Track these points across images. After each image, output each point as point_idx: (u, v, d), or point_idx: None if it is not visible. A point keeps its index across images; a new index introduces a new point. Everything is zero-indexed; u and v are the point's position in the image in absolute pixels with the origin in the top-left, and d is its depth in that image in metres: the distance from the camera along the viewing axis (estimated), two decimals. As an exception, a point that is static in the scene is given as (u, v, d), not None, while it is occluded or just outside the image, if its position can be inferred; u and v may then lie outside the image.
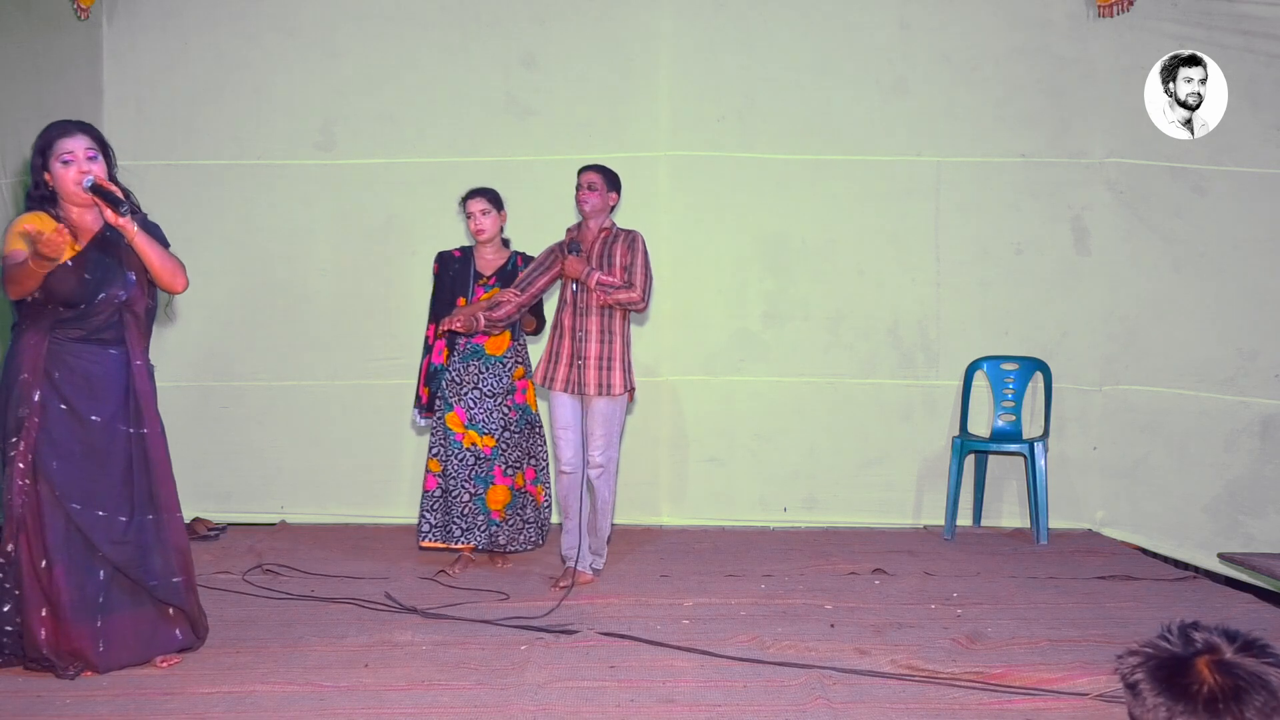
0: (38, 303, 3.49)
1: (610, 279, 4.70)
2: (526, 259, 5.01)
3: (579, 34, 5.91)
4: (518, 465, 4.98)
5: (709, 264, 5.95)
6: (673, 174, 5.91)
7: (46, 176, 3.54)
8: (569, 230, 4.91)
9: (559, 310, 4.82)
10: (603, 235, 4.81)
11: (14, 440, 3.47)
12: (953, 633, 4.00)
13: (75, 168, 3.49)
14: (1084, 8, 5.70)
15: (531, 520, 5.03)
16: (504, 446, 4.92)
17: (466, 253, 5.08)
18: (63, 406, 3.49)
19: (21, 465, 3.45)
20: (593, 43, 5.90)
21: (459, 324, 4.77)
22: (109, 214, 3.46)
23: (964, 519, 5.81)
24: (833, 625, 4.11)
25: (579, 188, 4.81)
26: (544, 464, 5.08)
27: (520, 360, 5.03)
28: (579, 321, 4.73)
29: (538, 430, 5.08)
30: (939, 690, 3.43)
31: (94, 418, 3.53)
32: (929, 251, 5.88)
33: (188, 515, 5.81)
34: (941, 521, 5.71)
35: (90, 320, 3.55)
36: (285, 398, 5.97)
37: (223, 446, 5.97)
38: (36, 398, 3.46)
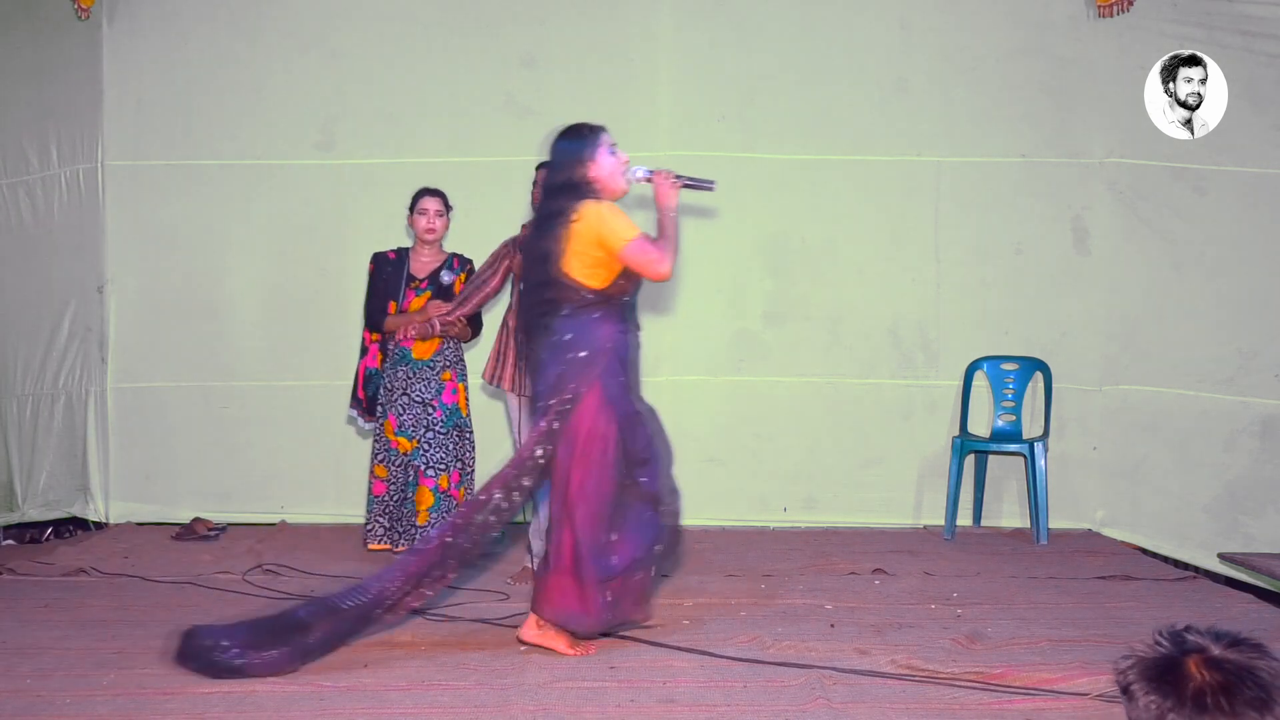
0: (608, 295, 3.69)
1: None
2: (462, 260, 4.99)
3: (579, 34, 5.91)
4: (441, 466, 4.88)
5: (709, 264, 5.94)
6: (673, 174, 5.90)
7: (583, 168, 3.71)
8: (524, 226, 4.82)
9: (507, 309, 4.81)
10: None
11: (551, 403, 3.65)
12: (953, 633, 3.99)
13: (618, 159, 3.73)
14: (1084, 8, 5.70)
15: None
16: (424, 447, 4.88)
17: (402, 254, 5.01)
18: (624, 387, 3.72)
19: (543, 425, 3.66)
20: (593, 43, 5.90)
21: (414, 332, 4.74)
22: (671, 200, 3.72)
23: (964, 519, 5.81)
24: (833, 625, 4.11)
25: (534, 184, 4.72)
26: (470, 468, 4.99)
27: (449, 363, 4.96)
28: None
29: (466, 435, 4.99)
30: (939, 690, 3.43)
31: (637, 403, 3.81)
32: (929, 251, 5.88)
33: (187, 515, 5.85)
34: (941, 521, 5.71)
35: (634, 307, 3.83)
36: (285, 398, 5.97)
37: (223, 446, 5.98)
38: (598, 385, 3.66)
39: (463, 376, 5.02)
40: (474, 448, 5.05)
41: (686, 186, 3.78)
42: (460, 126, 5.93)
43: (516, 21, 5.91)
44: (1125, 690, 1.56)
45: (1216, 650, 1.52)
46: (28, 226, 6.04)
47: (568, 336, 3.68)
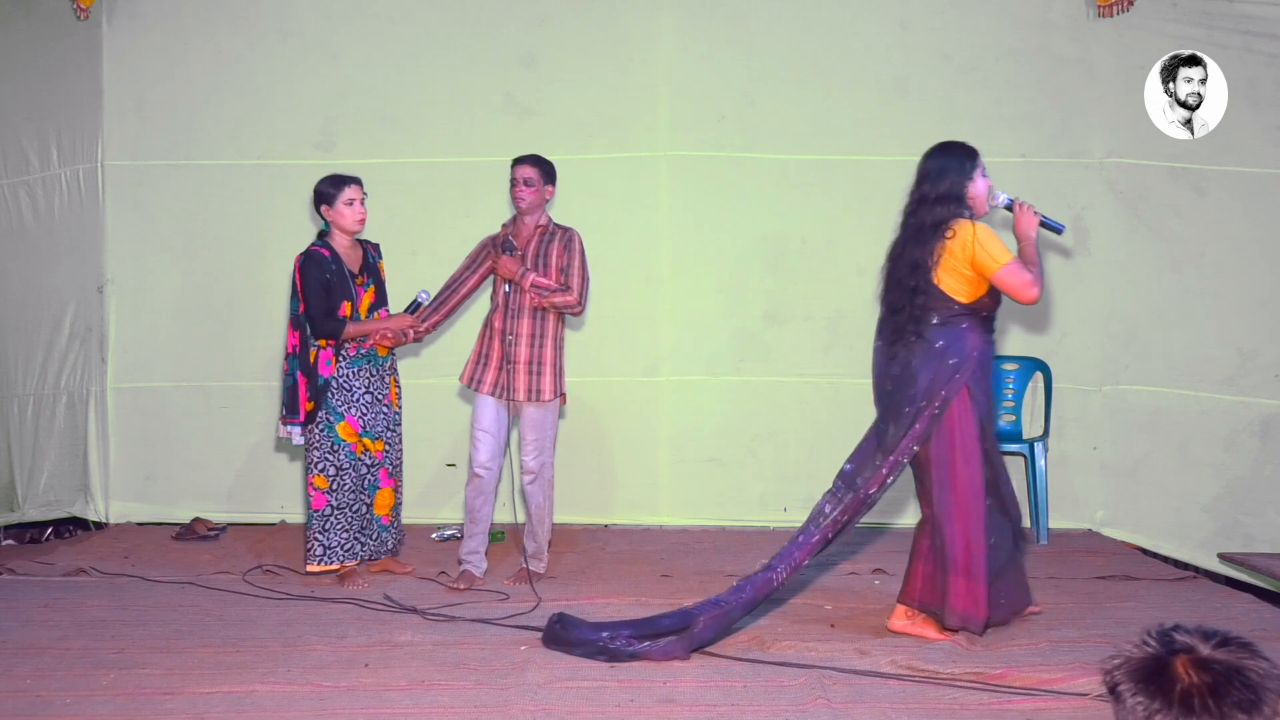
0: (974, 308, 3.86)
1: (545, 281, 4.55)
2: (377, 248, 4.83)
3: (579, 34, 5.90)
4: (397, 464, 4.82)
5: (709, 264, 5.94)
6: (673, 174, 5.90)
7: (961, 184, 3.90)
8: (504, 225, 4.76)
9: (490, 311, 4.69)
10: (539, 233, 4.64)
11: (922, 405, 3.82)
12: (952, 633, 3.99)
13: (985, 182, 3.97)
14: (1084, 8, 5.70)
15: (398, 519, 4.89)
16: (388, 448, 4.77)
17: (333, 251, 4.65)
18: (986, 393, 3.91)
19: (918, 427, 3.83)
20: (593, 43, 5.90)
21: (390, 340, 4.63)
22: (1031, 231, 3.91)
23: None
24: (833, 625, 4.11)
25: (513, 183, 4.62)
26: (401, 463, 4.88)
27: (392, 356, 4.84)
28: (510, 324, 4.58)
29: (399, 432, 4.86)
30: (939, 690, 3.43)
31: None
32: (929, 251, 5.86)
33: (187, 515, 5.85)
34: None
35: (995, 318, 3.99)
36: (285, 398, 5.96)
37: (223, 446, 5.98)
38: (965, 390, 3.83)
39: (396, 369, 4.88)
40: (401, 441, 4.89)
41: (1041, 224, 3.97)
42: (460, 126, 5.92)
43: (516, 21, 5.91)
44: (1113, 691, 1.55)
45: (1205, 650, 1.51)
46: (28, 226, 6.04)
47: (940, 344, 3.86)
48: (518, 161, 4.66)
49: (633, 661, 3.65)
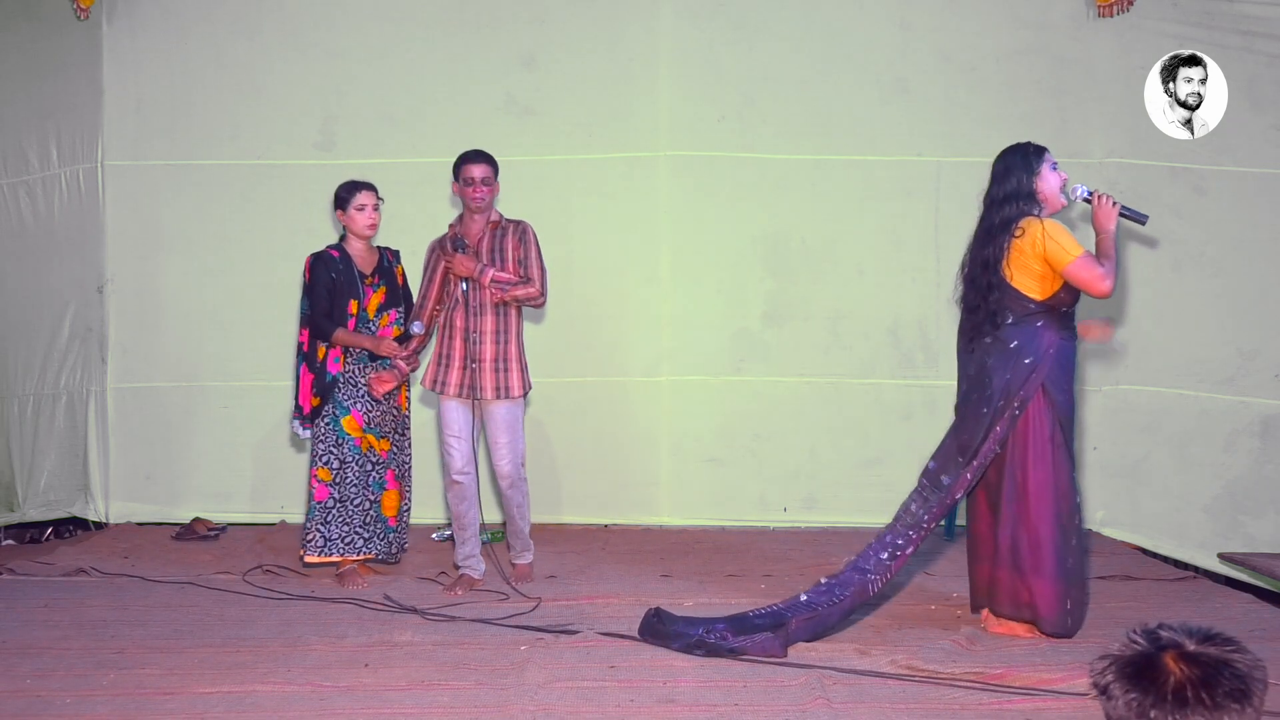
0: (1050, 305, 3.85)
1: (506, 275, 4.49)
2: (394, 253, 4.86)
3: (579, 34, 5.91)
4: (405, 468, 4.85)
5: (709, 264, 5.94)
6: (673, 174, 5.90)
7: (1029, 180, 3.91)
8: (451, 225, 4.67)
9: (449, 309, 4.57)
10: (491, 229, 4.56)
11: (1000, 405, 3.82)
12: (953, 633, 4.00)
13: (1058, 176, 3.93)
14: (1084, 8, 5.70)
15: (407, 523, 4.93)
16: (395, 450, 4.81)
17: (343, 252, 4.73)
18: (1066, 391, 3.89)
19: (999, 429, 3.83)
20: (593, 43, 5.90)
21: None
22: (1110, 224, 3.90)
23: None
24: (832, 625, 4.11)
25: (469, 182, 4.49)
26: (409, 467, 4.92)
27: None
28: (473, 322, 4.49)
29: (408, 435, 4.90)
30: (939, 690, 3.43)
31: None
32: (929, 251, 5.87)
33: (187, 515, 5.85)
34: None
35: (1074, 315, 3.96)
36: (284, 398, 5.95)
37: (223, 446, 5.98)
38: (1041, 390, 3.83)
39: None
40: (410, 446, 4.94)
41: (1123, 215, 3.96)
42: (460, 126, 5.91)
43: (516, 21, 5.91)
44: (1104, 690, 1.57)
45: (1192, 645, 1.53)
46: (28, 226, 6.05)
47: (1014, 344, 3.87)
48: (471, 160, 4.54)
49: (730, 657, 3.67)
